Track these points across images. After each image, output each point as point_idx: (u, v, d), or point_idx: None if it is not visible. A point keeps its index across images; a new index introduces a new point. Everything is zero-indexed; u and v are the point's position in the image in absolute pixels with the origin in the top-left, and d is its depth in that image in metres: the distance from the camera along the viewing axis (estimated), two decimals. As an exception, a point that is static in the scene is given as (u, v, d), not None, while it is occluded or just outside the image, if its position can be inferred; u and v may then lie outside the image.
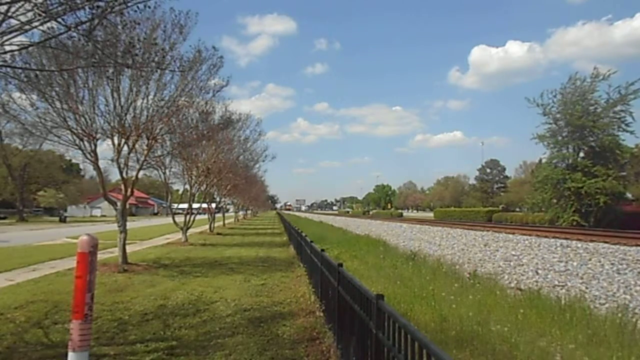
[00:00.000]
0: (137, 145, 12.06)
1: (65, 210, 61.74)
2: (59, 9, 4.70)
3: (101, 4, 4.90)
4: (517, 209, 56.81)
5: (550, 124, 31.95)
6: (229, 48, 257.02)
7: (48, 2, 4.63)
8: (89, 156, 10.93)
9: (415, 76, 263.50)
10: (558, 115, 31.34)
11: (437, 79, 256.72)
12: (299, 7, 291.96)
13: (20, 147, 50.73)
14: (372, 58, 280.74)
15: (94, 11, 4.79)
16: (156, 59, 9.57)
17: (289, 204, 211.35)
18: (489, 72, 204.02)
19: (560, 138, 31.57)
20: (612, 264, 10.66)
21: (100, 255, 10.95)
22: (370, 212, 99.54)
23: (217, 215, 35.21)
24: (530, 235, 17.86)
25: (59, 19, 4.83)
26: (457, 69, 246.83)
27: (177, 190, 33.63)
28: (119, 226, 11.61)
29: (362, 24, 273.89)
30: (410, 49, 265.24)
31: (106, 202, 12.84)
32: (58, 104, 9.98)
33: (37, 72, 8.63)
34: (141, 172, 13.76)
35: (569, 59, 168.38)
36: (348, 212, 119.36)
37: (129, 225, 12.36)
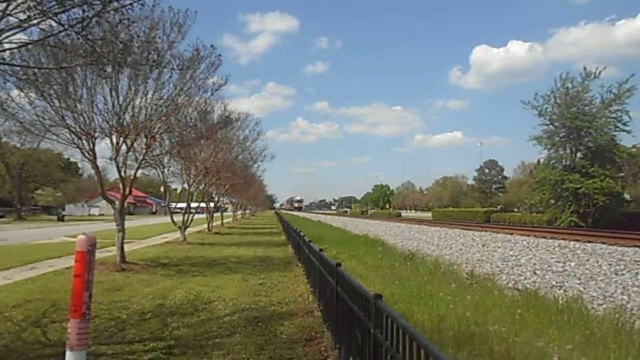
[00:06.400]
0: (135, 144, 12.04)
1: (63, 209, 61.63)
2: (55, 6, 4.69)
3: (97, 2, 4.90)
4: (515, 210, 56.91)
5: (547, 125, 32.05)
6: (230, 46, 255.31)
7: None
8: (87, 155, 10.91)
9: (416, 76, 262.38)
10: (554, 117, 31.41)
11: (438, 79, 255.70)
12: (301, 5, 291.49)
13: (18, 145, 50.69)
14: (373, 57, 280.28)
15: (84, 8, 4.78)
16: (154, 57, 9.56)
17: (297, 198, 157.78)
18: (491, 72, 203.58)
19: (557, 139, 31.64)
20: (610, 264, 10.69)
21: (99, 254, 10.93)
22: (369, 212, 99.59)
23: (216, 214, 35.21)
24: (528, 235, 17.91)
25: (55, 17, 4.83)
26: (459, 68, 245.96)
27: (176, 190, 33.67)
28: (117, 225, 11.59)
29: (363, 22, 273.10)
30: (412, 49, 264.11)
31: (104, 201, 12.82)
32: (56, 102, 9.96)
33: (36, 70, 8.61)
34: (139, 171, 13.74)
35: (571, 59, 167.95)
36: (346, 212, 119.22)
37: (127, 224, 12.33)
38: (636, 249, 12.09)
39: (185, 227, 20.91)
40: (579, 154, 31.26)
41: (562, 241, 14.92)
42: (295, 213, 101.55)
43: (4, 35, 4.87)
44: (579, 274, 10.27)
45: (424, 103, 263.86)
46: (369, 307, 3.10)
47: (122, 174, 11.83)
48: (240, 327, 5.83)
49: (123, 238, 11.59)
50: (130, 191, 12.58)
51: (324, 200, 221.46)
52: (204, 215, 34.04)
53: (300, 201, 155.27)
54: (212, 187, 27.47)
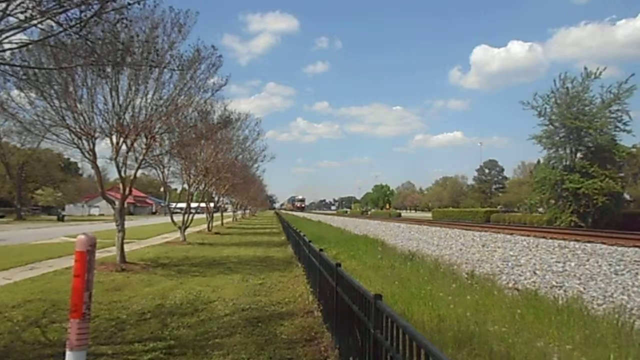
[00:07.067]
0: (135, 144, 12.04)
1: (63, 209, 61.63)
2: (54, 6, 4.70)
3: (95, 2, 4.90)
4: (515, 210, 56.89)
5: (547, 125, 32.01)
6: (230, 46, 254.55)
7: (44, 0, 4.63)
8: (87, 155, 10.91)
9: (416, 76, 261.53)
10: (553, 117, 31.38)
11: (438, 79, 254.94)
12: (301, 5, 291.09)
13: (18, 145, 50.66)
14: (373, 57, 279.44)
15: (82, 8, 4.79)
16: (154, 57, 9.56)
17: (299, 197, 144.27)
18: (491, 72, 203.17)
19: (557, 139, 31.60)
20: (610, 264, 10.70)
21: (99, 254, 10.94)
22: (369, 212, 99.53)
23: (216, 214, 35.23)
24: (528, 235, 17.91)
25: (54, 17, 4.83)
26: (459, 68, 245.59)
27: (176, 190, 33.68)
28: (117, 225, 11.60)
29: (364, 22, 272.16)
30: (412, 49, 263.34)
31: (104, 201, 12.81)
32: (57, 102, 9.97)
33: (36, 70, 8.62)
34: (139, 171, 13.75)
35: (571, 59, 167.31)
36: (346, 212, 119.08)
37: (127, 224, 12.34)
38: (636, 249, 12.09)
39: (185, 227, 20.91)
40: (579, 154, 31.22)
41: (562, 241, 14.92)
42: (296, 213, 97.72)
43: (4, 35, 4.87)
44: (579, 274, 10.27)
45: (424, 103, 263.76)
46: (368, 307, 3.10)
47: (122, 174, 11.83)
48: (240, 327, 5.83)
49: (123, 238, 11.60)
50: (130, 191, 12.58)
51: (324, 200, 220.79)
52: (203, 216, 34.04)
53: (302, 200, 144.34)
54: (212, 187, 27.48)
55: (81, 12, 4.82)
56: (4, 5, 4.50)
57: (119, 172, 11.74)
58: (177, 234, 21.08)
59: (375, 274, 10.10)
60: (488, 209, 53.13)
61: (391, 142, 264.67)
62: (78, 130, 10.35)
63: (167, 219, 22.65)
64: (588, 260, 11.46)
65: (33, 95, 10.10)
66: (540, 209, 33.89)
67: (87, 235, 3.22)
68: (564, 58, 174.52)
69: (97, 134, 10.82)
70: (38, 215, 60.72)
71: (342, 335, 4.32)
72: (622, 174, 32.33)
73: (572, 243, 14.26)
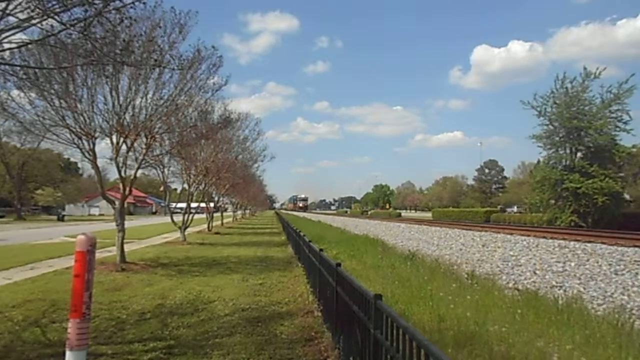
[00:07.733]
0: (135, 144, 12.04)
1: (63, 209, 61.58)
2: (56, 5, 4.69)
3: (98, 1, 4.90)
4: (514, 210, 56.89)
5: (547, 125, 31.98)
6: (230, 46, 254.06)
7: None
8: (87, 155, 10.91)
9: (417, 76, 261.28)
10: (553, 117, 31.35)
11: (439, 79, 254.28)
12: (301, 4, 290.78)
13: (18, 145, 50.73)
14: (373, 57, 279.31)
15: (87, 7, 4.79)
16: (155, 57, 9.56)
17: (301, 197, 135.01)
18: (491, 72, 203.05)
19: (556, 139, 31.57)
20: (610, 264, 10.69)
21: (99, 254, 10.93)
22: (369, 212, 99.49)
23: (216, 214, 35.22)
24: (528, 235, 17.91)
25: (56, 17, 4.83)
26: (459, 68, 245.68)
27: (176, 190, 33.68)
28: (117, 225, 11.60)
29: (364, 22, 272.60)
30: (412, 49, 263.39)
31: (104, 201, 12.83)
32: (57, 102, 9.97)
33: (36, 70, 8.61)
34: (140, 171, 13.75)
35: (571, 59, 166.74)
36: (346, 212, 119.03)
37: (127, 224, 12.34)
38: (636, 249, 12.09)
39: (185, 227, 20.92)
40: (578, 154, 31.17)
41: (562, 241, 14.91)
42: (297, 213, 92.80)
43: (3, 35, 4.87)
44: (579, 274, 10.27)
45: (424, 103, 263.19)
46: (369, 307, 3.10)
47: (122, 174, 11.83)
48: (240, 327, 5.83)
49: (123, 238, 11.60)
50: (130, 191, 12.58)
51: (324, 200, 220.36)
52: (204, 215, 34.06)
53: (305, 200, 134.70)
54: (212, 187, 27.49)
55: (86, 11, 4.82)
56: (4, 4, 4.50)
57: (119, 172, 11.73)
58: (177, 234, 21.08)
59: (375, 273, 10.10)
60: (488, 208, 53.13)
61: (391, 142, 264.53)
62: (78, 130, 10.35)
63: (167, 219, 22.65)
64: (588, 260, 11.46)
65: (33, 95, 10.10)
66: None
67: (87, 235, 3.22)
68: (564, 58, 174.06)
69: (97, 134, 10.82)
70: (38, 215, 60.74)
71: (342, 335, 4.32)
72: (622, 174, 32.24)
73: (572, 243, 14.25)
